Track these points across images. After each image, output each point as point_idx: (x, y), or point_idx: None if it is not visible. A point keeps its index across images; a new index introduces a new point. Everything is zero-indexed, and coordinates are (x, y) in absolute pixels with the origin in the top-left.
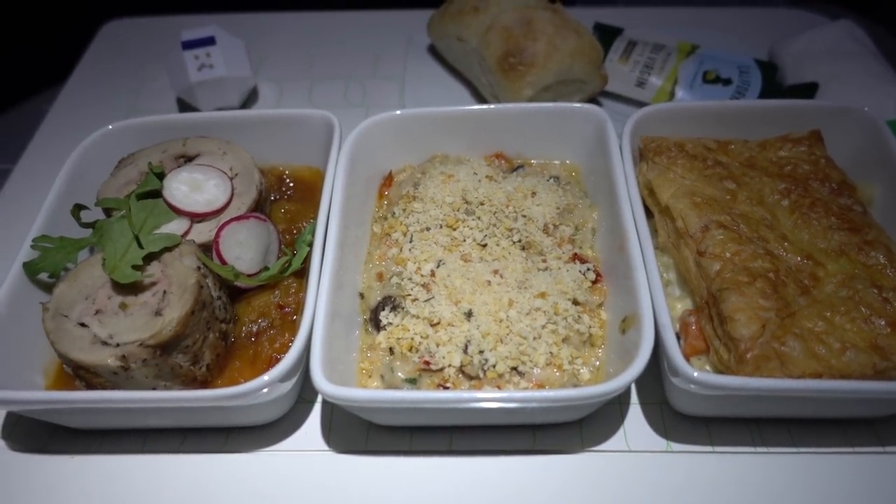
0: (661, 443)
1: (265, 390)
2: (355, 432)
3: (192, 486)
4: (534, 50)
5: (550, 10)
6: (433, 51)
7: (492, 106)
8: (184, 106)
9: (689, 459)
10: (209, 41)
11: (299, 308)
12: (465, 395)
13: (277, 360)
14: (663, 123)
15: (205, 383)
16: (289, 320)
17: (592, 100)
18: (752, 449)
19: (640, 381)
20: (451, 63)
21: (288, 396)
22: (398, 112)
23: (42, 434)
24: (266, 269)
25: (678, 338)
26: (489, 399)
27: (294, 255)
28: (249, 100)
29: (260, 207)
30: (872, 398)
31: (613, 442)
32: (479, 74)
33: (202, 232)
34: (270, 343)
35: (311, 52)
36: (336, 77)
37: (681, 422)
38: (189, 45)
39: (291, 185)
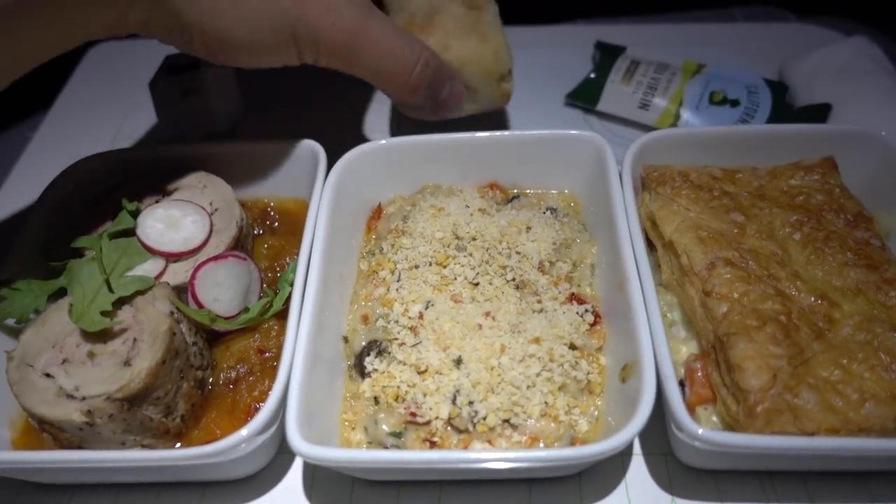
0: (665, 498)
1: (242, 446)
2: (339, 486)
3: None
4: None
5: (468, 7)
6: None
7: (484, 134)
8: (168, 133)
9: None
10: (194, 66)
11: (280, 352)
12: (451, 455)
13: (257, 410)
14: (667, 150)
15: (179, 435)
16: (269, 366)
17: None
18: None
19: (644, 431)
20: None
21: (267, 448)
22: (385, 141)
23: (10, 490)
24: (246, 310)
25: (683, 385)
26: (476, 461)
27: (276, 295)
28: (237, 127)
29: (240, 244)
30: (893, 456)
31: (615, 497)
32: None
33: (178, 272)
34: (249, 391)
35: (301, 77)
36: (327, 102)
37: (687, 474)
38: (173, 70)
39: (276, 218)
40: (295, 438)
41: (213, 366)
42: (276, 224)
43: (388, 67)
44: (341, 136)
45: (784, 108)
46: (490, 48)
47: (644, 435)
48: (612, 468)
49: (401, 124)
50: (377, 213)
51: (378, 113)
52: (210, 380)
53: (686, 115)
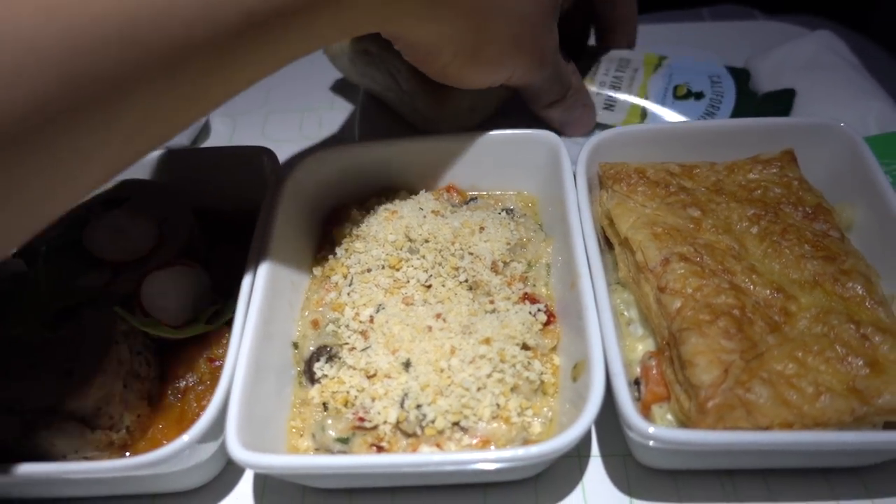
0: (623, 500)
1: (185, 453)
2: (291, 495)
3: None
4: None
5: None
6: None
7: (439, 136)
8: None
9: None
10: None
11: None
12: (394, 459)
13: None
14: (624, 148)
15: (124, 447)
16: (219, 375)
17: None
18: None
19: (602, 431)
20: (359, 84)
21: (215, 459)
22: (341, 146)
23: None
24: (194, 319)
25: (639, 383)
26: (417, 464)
27: (226, 303)
28: (201, 136)
29: (192, 252)
30: (850, 450)
31: (571, 500)
32: (392, 88)
33: (125, 282)
34: (198, 400)
35: (267, 84)
36: (292, 110)
37: (645, 475)
38: None
39: (233, 226)
40: (233, 445)
41: (160, 376)
42: (235, 233)
43: (556, 89)
44: (301, 142)
45: (748, 95)
46: None
47: (602, 436)
48: (568, 470)
49: (360, 130)
50: (333, 218)
51: (345, 118)
52: (157, 391)
53: (652, 112)
